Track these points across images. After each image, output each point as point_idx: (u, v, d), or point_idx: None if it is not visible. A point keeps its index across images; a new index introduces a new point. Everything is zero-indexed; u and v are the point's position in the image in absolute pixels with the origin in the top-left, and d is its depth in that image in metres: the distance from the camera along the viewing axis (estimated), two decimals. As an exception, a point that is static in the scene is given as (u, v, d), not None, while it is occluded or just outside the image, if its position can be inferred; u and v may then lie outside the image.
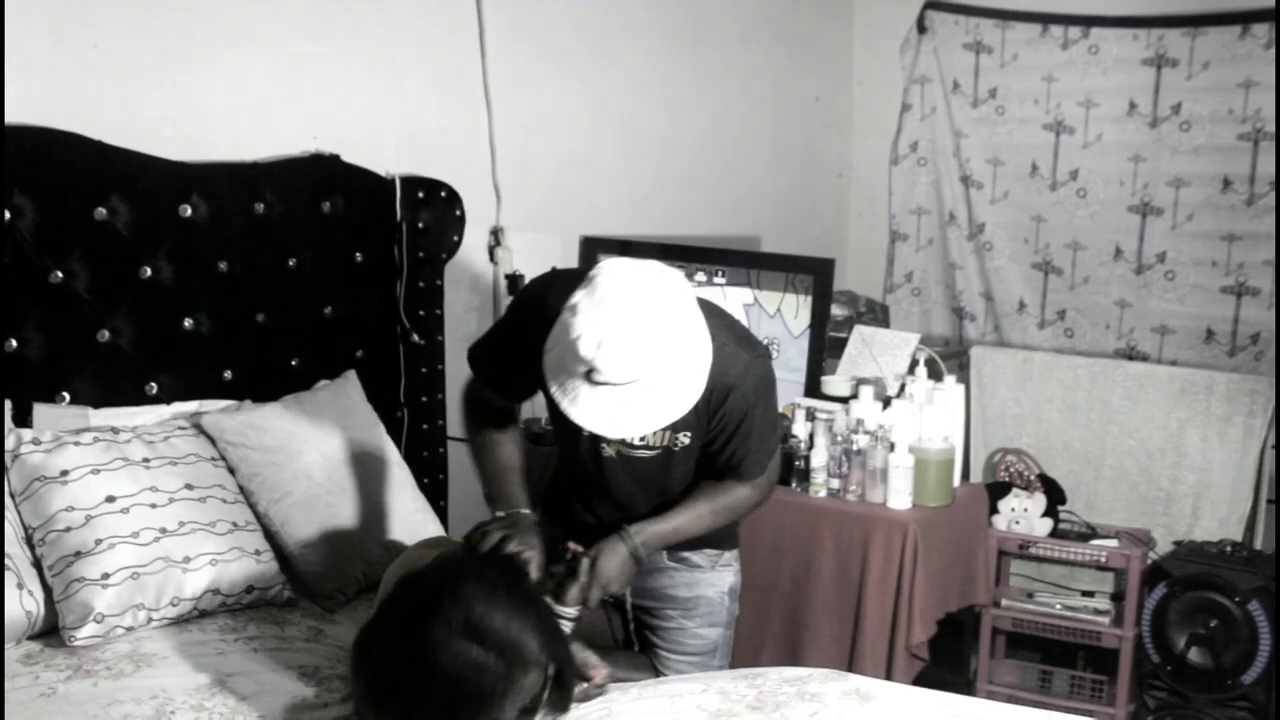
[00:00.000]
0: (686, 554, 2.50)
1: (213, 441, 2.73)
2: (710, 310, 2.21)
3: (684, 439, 2.31)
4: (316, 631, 2.52)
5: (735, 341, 2.26)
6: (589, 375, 2.00)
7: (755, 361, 2.28)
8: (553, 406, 2.20)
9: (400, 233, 3.31)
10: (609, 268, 2.05)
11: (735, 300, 3.63)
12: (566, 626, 2.19)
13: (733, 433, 2.29)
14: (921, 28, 4.94)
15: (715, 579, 2.52)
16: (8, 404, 2.54)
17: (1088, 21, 4.57)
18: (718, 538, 2.51)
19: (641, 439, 2.31)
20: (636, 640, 2.56)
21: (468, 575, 1.98)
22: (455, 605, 1.89)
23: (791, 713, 2.14)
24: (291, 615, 2.58)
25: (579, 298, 2.02)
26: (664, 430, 2.28)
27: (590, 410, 2.03)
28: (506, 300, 3.68)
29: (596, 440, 2.32)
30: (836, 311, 3.90)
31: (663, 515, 2.35)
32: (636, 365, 1.98)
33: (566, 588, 2.23)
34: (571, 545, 2.32)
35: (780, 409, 3.36)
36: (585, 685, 2.19)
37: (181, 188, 2.83)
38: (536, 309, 2.21)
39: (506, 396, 2.44)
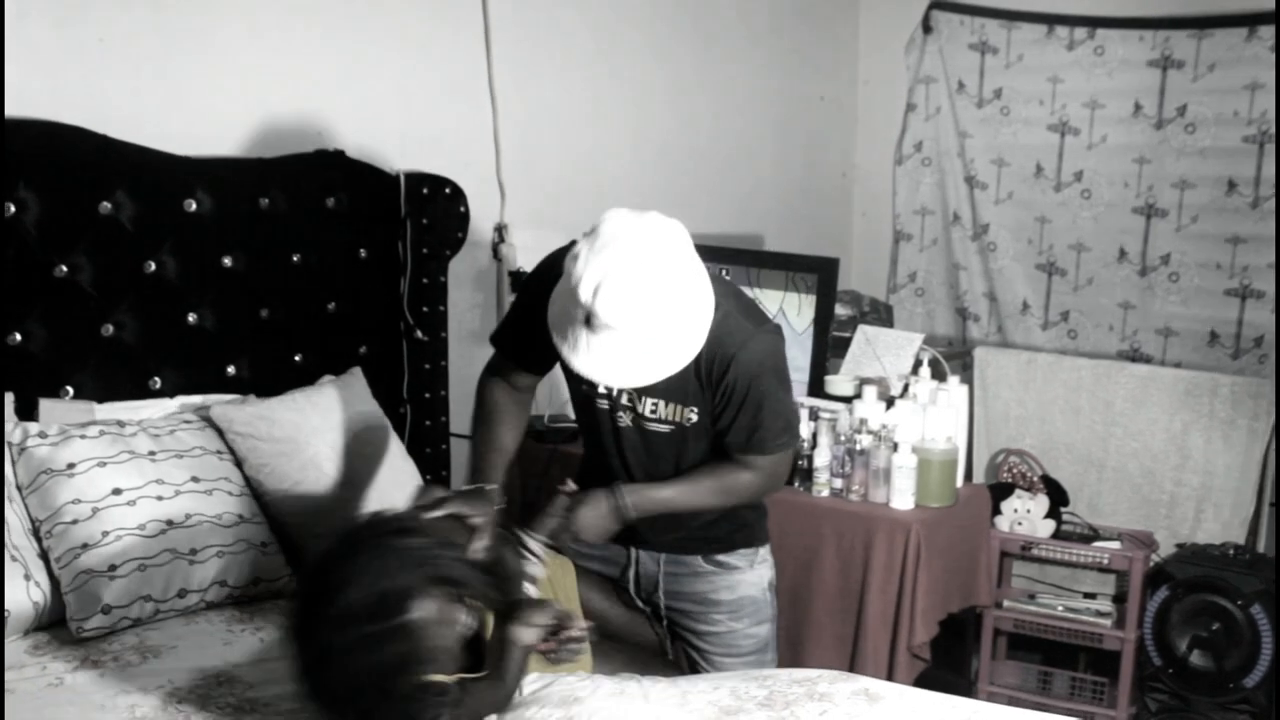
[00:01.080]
0: (723, 557, 2.49)
1: (221, 433, 2.74)
2: (717, 279, 2.21)
3: (693, 415, 2.29)
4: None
5: (740, 311, 2.25)
6: (588, 321, 2.01)
7: (760, 334, 2.25)
8: (568, 375, 2.23)
9: (404, 229, 3.31)
10: (612, 216, 2.07)
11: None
12: (533, 567, 2.14)
13: (738, 408, 2.26)
14: (927, 28, 4.94)
15: (755, 577, 2.52)
16: (10, 397, 2.54)
17: (1093, 22, 4.57)
18: (749, 535, 2.51)
19: (654, 411, 2.30)
20: (672, 648, 2.55)
21: (328, 560, 1.89)
22: (323, 600, 1.81)
23: (801, 711, 2.14)
24: (299, 606, 2.58)
25: (581, 245, 2.04)
26: (673, 404, 2.28)
27: (590, 358, 2.04)
28: (510, 297, 3.67)
29: (613, 409, 2.32)
30: (840, 311, 3.90)
31: (659, 483, 2.33)
32: (634, 309, 1.98)
33: (542, 518, 2.20)
34: (569, 483, 2.32)
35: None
36: (564, 633, 2.09)
37: (186, 182, 2.83)
38: (547, 273, 2.22)
39: (526, 369, 2.43)
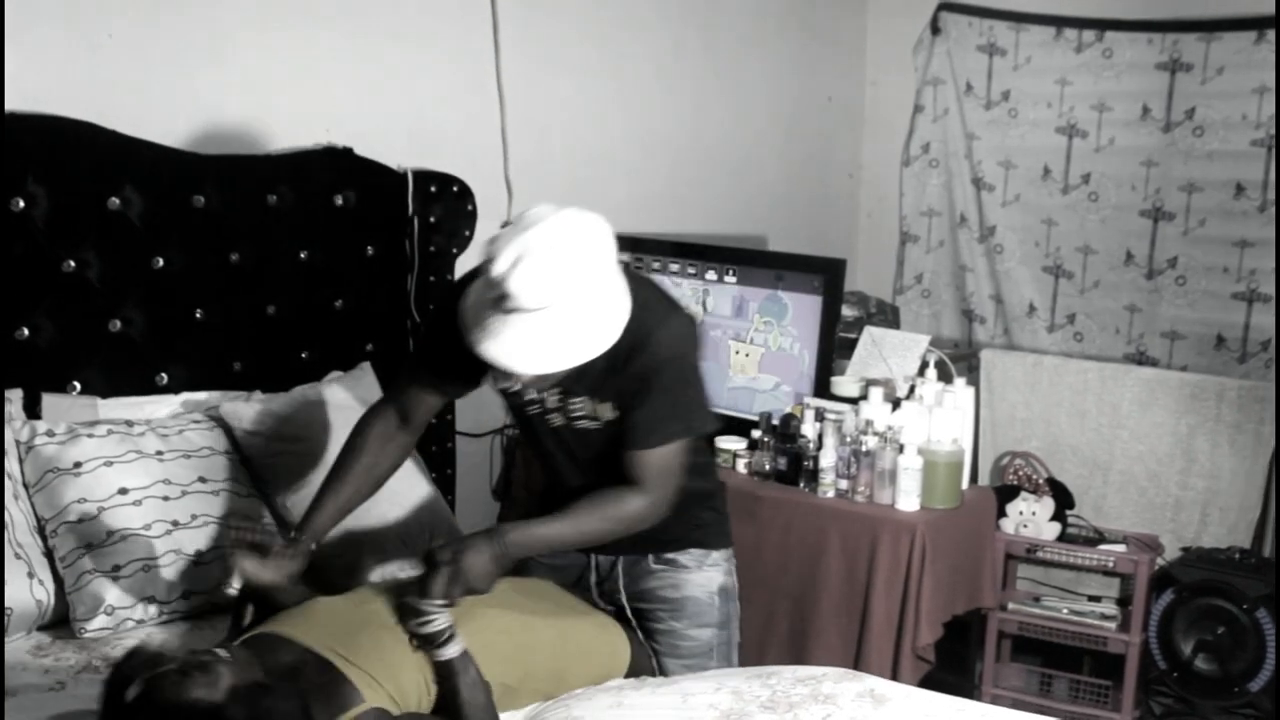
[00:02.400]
0: (672, 555, 2.47)
1: (229, 431, 2.74)
2: (632, 273, 2.22)
3: (607, 412, 2.27)
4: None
5: (653, 300, 2.22)
6: (502, 302, 1.99)
7: (670, 322, 2.22)
8: (506, 396, 2.25)
9: (412, 227, 3.31)
10: (532, 207, 2.07)
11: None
12: (440, 620, 2.08)
13: (638, 395, 2.21)
14: (935, 29, 4.93)
15: (703, 579, 2.49)
16: (19, 393, 2.55)
17: (1102, 25, 4.56)
18: (703, 537, 2.49)
19: (579, 410, 2.28)
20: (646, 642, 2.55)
21: None
22: None
23: (805, 714, 2.14)
24: (304, 608, 2.58)
25: (501, 232, 2.04)
26: (594, 401, 2.26)
27: (499, 343, 2.02)
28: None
29: (544, 413, 2.32)
30: (847, 312, 3.90)
31: (542, 519, 2.26)
32: (548, 287, 1.97)
33: (430, 582, 2.09)
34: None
35: (789, 407, 3.39)
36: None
37: (194, 178, 2.84)
38: (466, 283, 2.20)
39: (434, 386, 2.36)
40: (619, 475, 2.26)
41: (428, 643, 2.07)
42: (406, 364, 2.43)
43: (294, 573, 2.20)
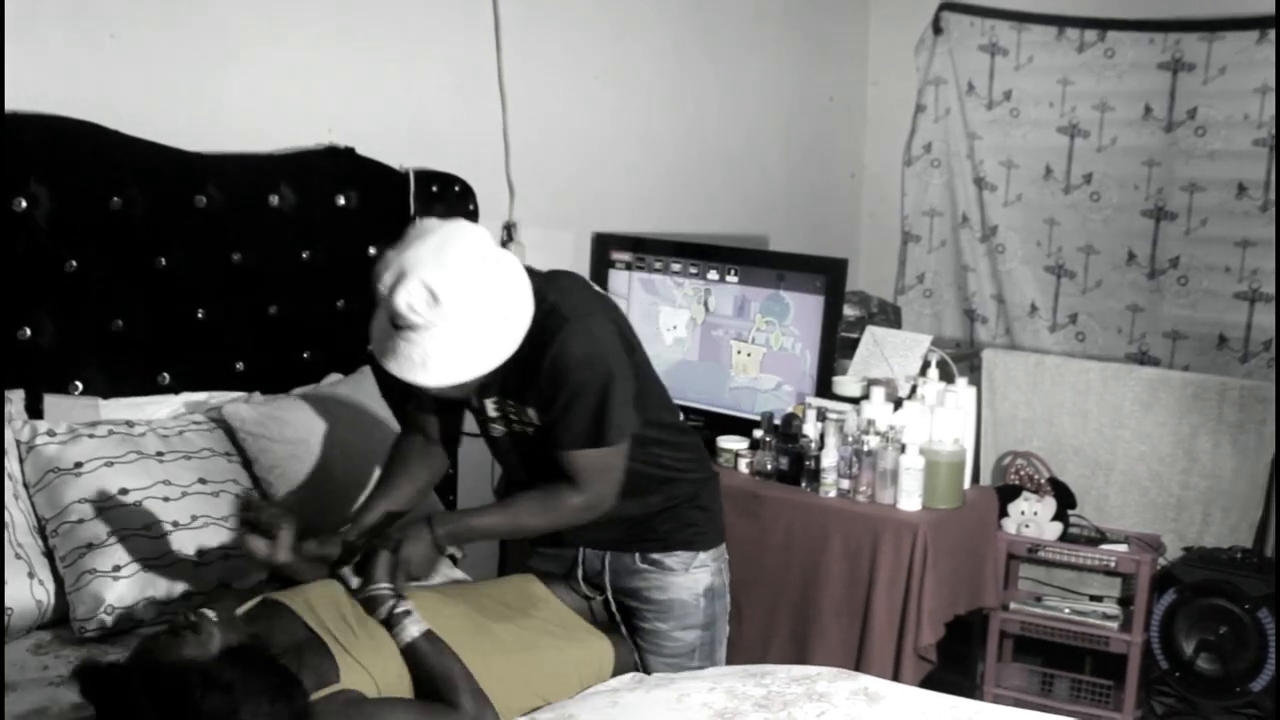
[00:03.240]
0: (659, 556, 2.47)
1: (231, 433, 2.74)
2: (550, 274, 2.25)
3: (536, 418, 2.28)
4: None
5: (569, 305, 2.21)
6: (393, 322, 2.04)
7: (582, 324, 2.20)
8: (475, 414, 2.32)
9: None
10: (418, 222, 2.11)
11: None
12: (389, 603, 2.14)
13: (555, 402, 2.22)
14: (937, 29, 4.93)
15: (689, 581, 2.49)
16: (20, 393, 2.55)
17: (1104, 25, 4.55)
18: (691, 537, 2.49)
19: (515, 416, 2.30)
20: (625, 629, 2.54)
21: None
22: None
23: (799, 712, 2.14)
24: (304, 609, 2.58)
25: (388, 252, 2.07)
26: (521, 406, 2.28)
27: (399, 360, 2.07)
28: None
29: (486, 423, 2.36)
30: (848, 312, 3.89)
31: (479, 509, 2.38)
32: (430, 303, 2.00)
33: (371, 566, 2.19)
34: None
35: (791, 407, 3.39)
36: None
37: (196, 178, 2.84)
38: None
39: (434, 411, 2.43)
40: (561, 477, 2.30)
41: (388, 627, 2.12)
42: (409, 398, 2.45)
43: (328, 556, 2.30)
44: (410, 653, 2.10)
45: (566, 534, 2.45)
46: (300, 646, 2.04)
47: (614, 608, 2.51)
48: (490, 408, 2.33)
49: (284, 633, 2.06)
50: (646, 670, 2.48)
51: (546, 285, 2.21)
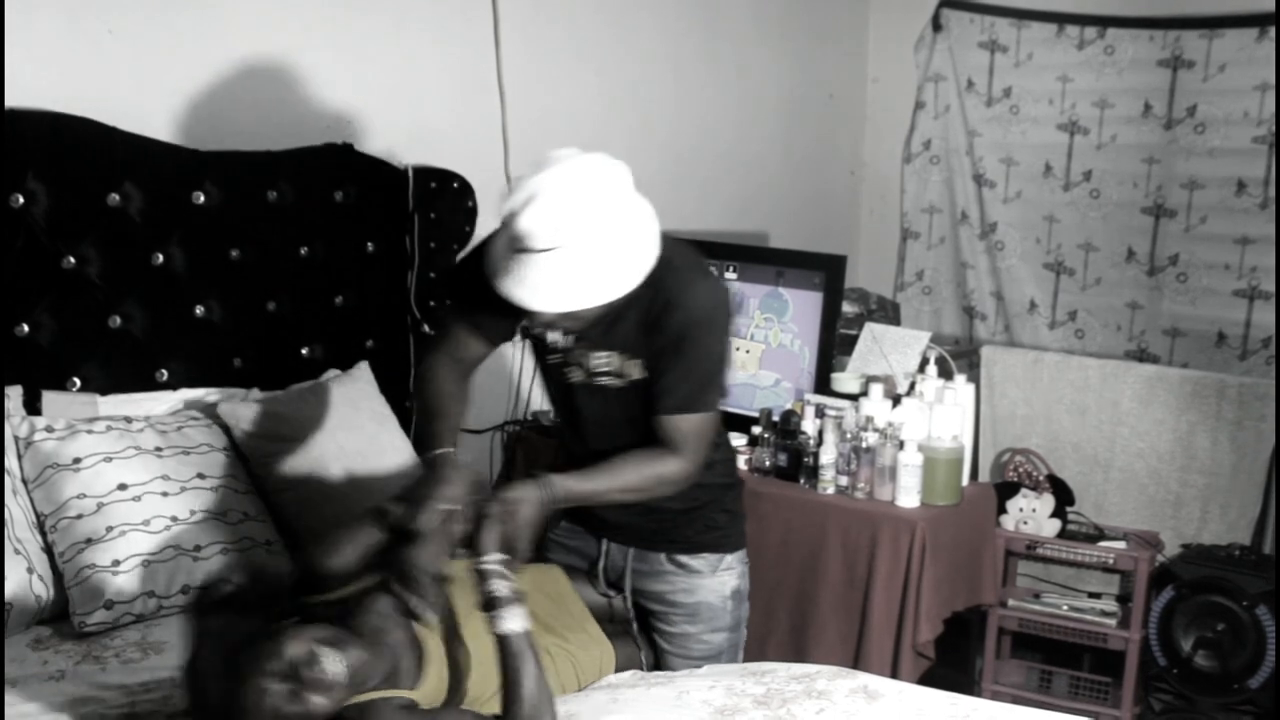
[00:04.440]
0: (686, 559, 2.46)
1: (227, 430, 2.74)
2: (671, 237, 2.21)
3: (634, 370, 2.25)
4: (327, 619, 2.53)
5: (691, 264, 2.22)
6: (517, 242, 2.02)
7: (706, 284, 2.21)
8: (535, 346, 2.26)
9: (412, 223, 3.31)
10: (558, 150, 2.09)
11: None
12: (502, 583, 1.96)
13: (672, 357, 2.19)
14: (937, 26, 4.93)
15: (716, 584, 2.47)
16: (19, 389, 2.55)
17: (1104, 22, 4.56)
18: (717, 540, 2.48)
19: (603, 365, 2.26)
20: (643, 635, 2.54)
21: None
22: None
23: (799, 709, 2.14)
24: (303, 604, 2.58)
25: (522, 173, 2.05)
26: (619, 356, 2.24)
27: (515, 280, 2.04)
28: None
29: (564, 365, 2.30)
30: (847, 308, 3.89)
31: (584, 473, 2.23)
32: (560, 225, 1.98)
33: (481, 536, 2.01)
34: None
35: (789, 403, 3.39)
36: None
37: (195, 175, 2.84)
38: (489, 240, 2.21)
39: (476, 329, 2.34)
40: (638, 439, 2.26)
41: (486, 608, 1.96)
42: (447, 313, 2.42)
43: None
44: (502, 643, 1.94)
45: (592, 521, 2.43)
46: (405, 641, 1.95)
47: (631, 611, 2.50)
48: (575, 351, 2.28)
49: (398, 625, 1.96)
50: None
51: (669, 242, 2.19)
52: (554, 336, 2.26)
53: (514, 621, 1.94)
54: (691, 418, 2.23)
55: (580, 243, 2.01)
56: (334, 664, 1.77)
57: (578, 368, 2.30)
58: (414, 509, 2.02)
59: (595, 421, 2.34)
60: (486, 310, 2.24)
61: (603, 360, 2.27)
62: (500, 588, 1.96)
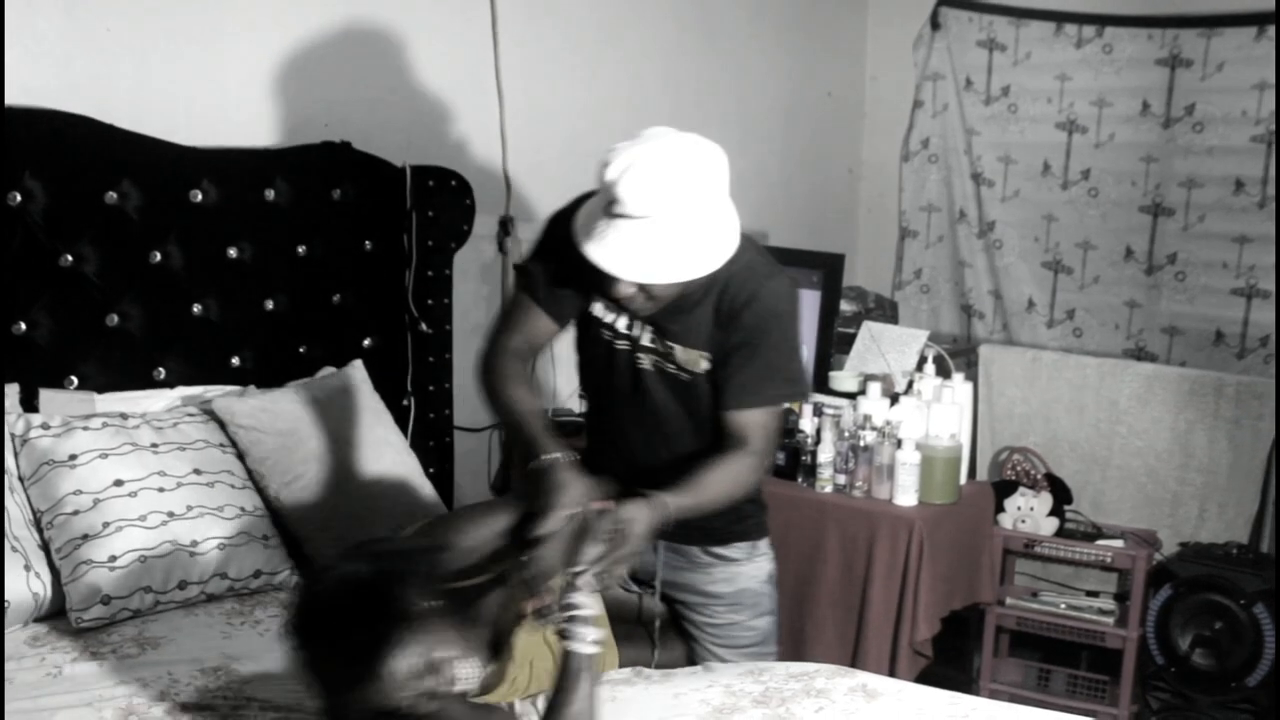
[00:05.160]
0: (721, 550, 2.45)
1: (223, 426, 2.74)
2: (749, 235, 2.23)
3: (704, 363, 2.26)
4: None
5: (767, 261, 2.27)
6: (611, 207, 2.02)
7: (782, 280, 2.24)
8: (584, 333, 2.27)
9: (410, 221, 3.31)
10: (655, 127, 2.10)
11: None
12: (591, 606, 1.91)
13: (750, 349, 2.20)
14: (935, 24, 4.93)
15: (754, 569, 2.48)
16: (15, 387, 2.55)
17: (1102, 20, 4.56)
18: (746, 529, 2.48)
19: (673, 354, 2.26)
20: (674, 632, 2.52)
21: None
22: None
23: (797, 708, 2.14)
24: (300, 599, 2.58)
25: (619, 144, 2.06)
26: (690, 349, 2.25)
27: (606, 246, 2.04)
28: (514, 291, 3.67)
29: (634, 350, 2.29)
30: (845, 307, 3.89)
31: (682, 489, 2.13)
32: (655, 194, 1.99)
33: (585, 548, 1.93)
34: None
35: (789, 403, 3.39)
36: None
37: (192, 173, 2.83)
38: (575, 207, 2.21)
39: (546, 309, 2.30)
40: (692, 432, 2.28)
41: (566, 624, 1.91)
42: (522, 282, 2.37)
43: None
44: (567, 657, 1.90)
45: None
46: (505, 638, 1.96)
47: (660, 606, 2.49)
48: (646, 335, 2.28)
49: (502, 621, 1.95)
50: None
51: (746, 239, 2.21)
52: (623, 321, 2.27)
53: (586, 643, 1.90)
54: (766, 411, 2.24)
55: (674, 215, 2.02)
56: (466, 674, 1.75)
57: (649, 353, 2.30)
58: (539, 514, 1.98)
59: (658, 409, 2.33)
60: (562, 283, 2.25)
61: (672, 349, 2.28)
62: (585, 604, 1.91)
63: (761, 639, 2.50)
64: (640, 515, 2.02)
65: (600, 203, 2.07)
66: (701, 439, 2.31)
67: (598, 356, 2.37)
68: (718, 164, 2.09)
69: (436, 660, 1.71)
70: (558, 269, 2.25)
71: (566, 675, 1.89)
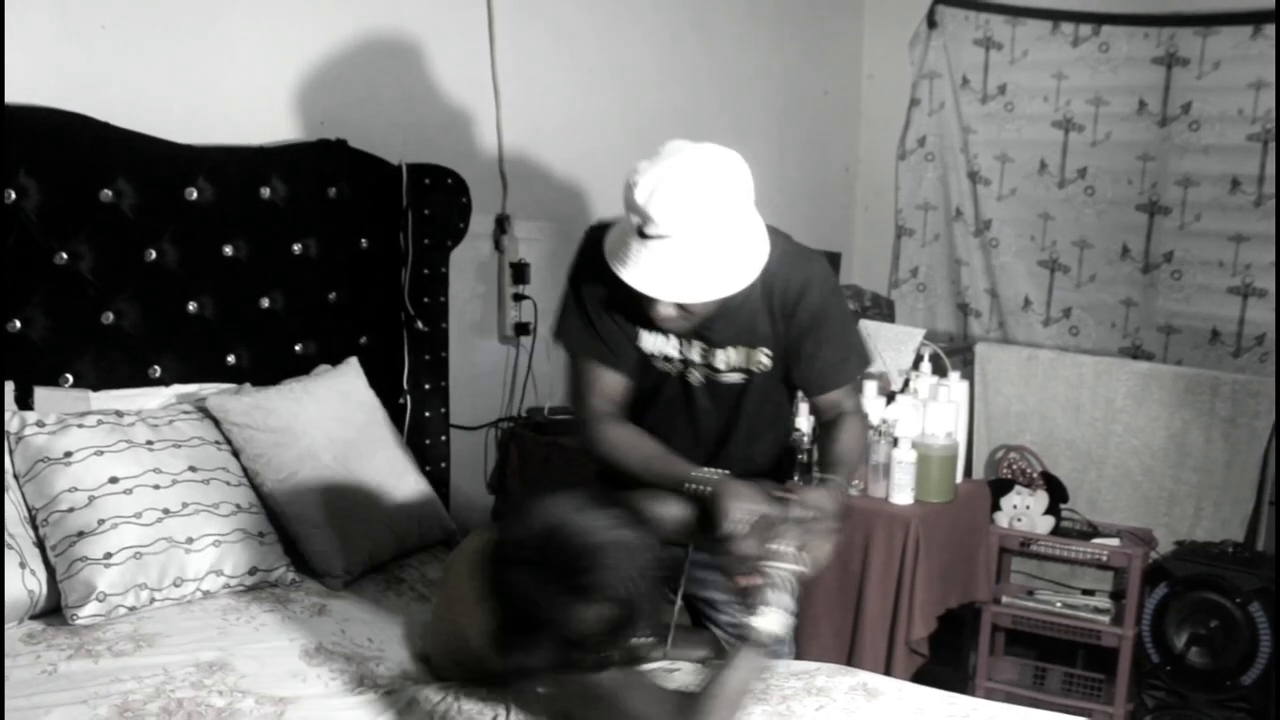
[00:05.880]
0: None
1: (217, 424, 2.74)
2: (769, 226, 2.24)
3: (764, 359, 2.27)
4: (320, 607, 2.54)
5: (797, 245, 2.28)
6: (642, 230, 2.01)
7: (818, 257, 2.29)
8: (640, 361, 2.26)
9: (406, 219, 3.31)
10: (673, 142, 2.10)
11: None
12: (786, 578, 1.93)
13: (822, 332, 2.24)
14: (931, 23, 4.93)
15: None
16: (10, 385, 2.54)
17: (1098, 19, 4.56)
18: None
19: (727, 361, 2.27)
20: (703, 631, 2.52)
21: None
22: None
23: (798, 706, 2.14)
24: (295, 594, 2.59)
25: (640, 163, 2.05)
26: (744, 349, 2.26)
27: (641, 270, 2.03)
28: (511, 289, 3.67)
29: (685, 369, 2.30)
30: (842, 306, 3.89)
31: (833, 466, 2.22)
32: (688, 212, 1.98)
33: (782, 530, 1.95)
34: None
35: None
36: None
37: (188, 170, 2.83)
38: (594, 245, 2.19)
39: (615, 361, 2.28)
40: (758, 425, 2.33)
41: (751, 601, 1.94)
42: (571, 368, 2.34)
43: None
44: (742, 635, 1.94)
45: None
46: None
47: (680, 612, 2.48)
48: (695, 351, 2.28)
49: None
50: None
51: (770, 230, 2.23)
52: (671, 346, 2.26)
53: (767, 623, 1.92)
54: (852, 384, 2.36)
55: (708, 230, 2.02)
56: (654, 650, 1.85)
57: (699, 368, 2.30)
58: (719, 516, 2.01)
59: (707, 416, 2.35)
60: (606, 332, 2.25)
61: (724, 357, 2.28)
62: (779, 593, 1.94)
63: (790, 636, 2.50)
64: (824, 496, 2.08)
65: (629, 226, 2.05)
66: (762, 430, 2.37)
67: (646, 389, 2.36)
68: (741, 172, 2.10)
69: (637, 619, 1.77)
70: (596, 321, 2.25)
71: (740, 647, 1.91)
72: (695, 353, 2.29)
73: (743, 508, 2.01)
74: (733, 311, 2.19)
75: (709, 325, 2.21)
